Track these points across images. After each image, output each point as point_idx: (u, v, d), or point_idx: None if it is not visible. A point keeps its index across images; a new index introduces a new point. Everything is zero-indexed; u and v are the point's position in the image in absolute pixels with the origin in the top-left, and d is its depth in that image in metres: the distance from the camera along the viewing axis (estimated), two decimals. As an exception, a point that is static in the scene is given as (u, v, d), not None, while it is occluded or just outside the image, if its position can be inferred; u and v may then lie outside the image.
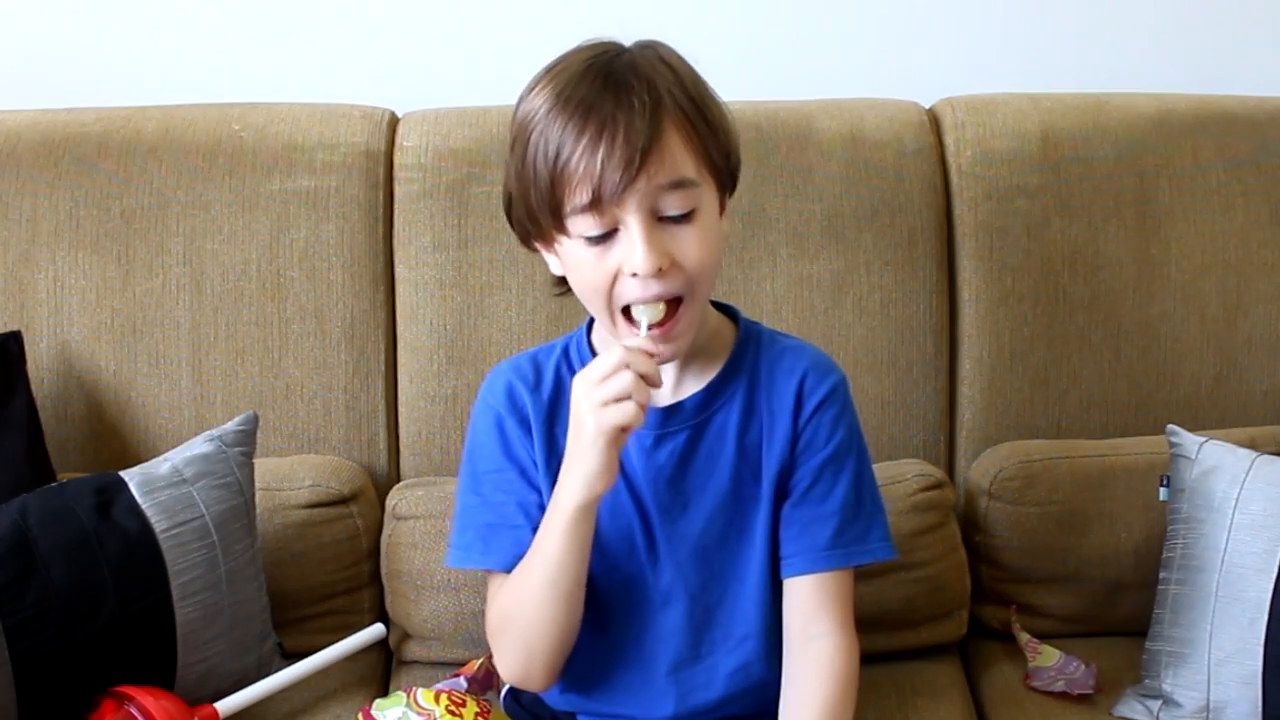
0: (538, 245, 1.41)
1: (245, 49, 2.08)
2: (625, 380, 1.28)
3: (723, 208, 1.40)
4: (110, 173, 1.81)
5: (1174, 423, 1.70)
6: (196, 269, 1.80)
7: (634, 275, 1.32)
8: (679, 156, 1.32)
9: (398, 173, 1.83)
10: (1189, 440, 1.66)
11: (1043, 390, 1.85)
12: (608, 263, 1.33)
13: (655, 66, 1.35)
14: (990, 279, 1.84)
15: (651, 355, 1.31)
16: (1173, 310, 1.85)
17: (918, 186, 1.84)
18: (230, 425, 1.68)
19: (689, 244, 1.33)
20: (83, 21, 2.07)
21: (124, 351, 1.81)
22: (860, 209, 1.82)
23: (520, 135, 1.36)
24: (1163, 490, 1.70)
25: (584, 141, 1.30)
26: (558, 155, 1.31)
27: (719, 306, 1.48)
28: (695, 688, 1.45)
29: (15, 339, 1.73)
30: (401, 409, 1.83)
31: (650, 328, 1.33)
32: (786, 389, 1.43)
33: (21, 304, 1.80)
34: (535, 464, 1.43)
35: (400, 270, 1.83)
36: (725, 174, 1.39)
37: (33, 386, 1.74)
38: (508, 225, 1.81)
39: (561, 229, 1.34)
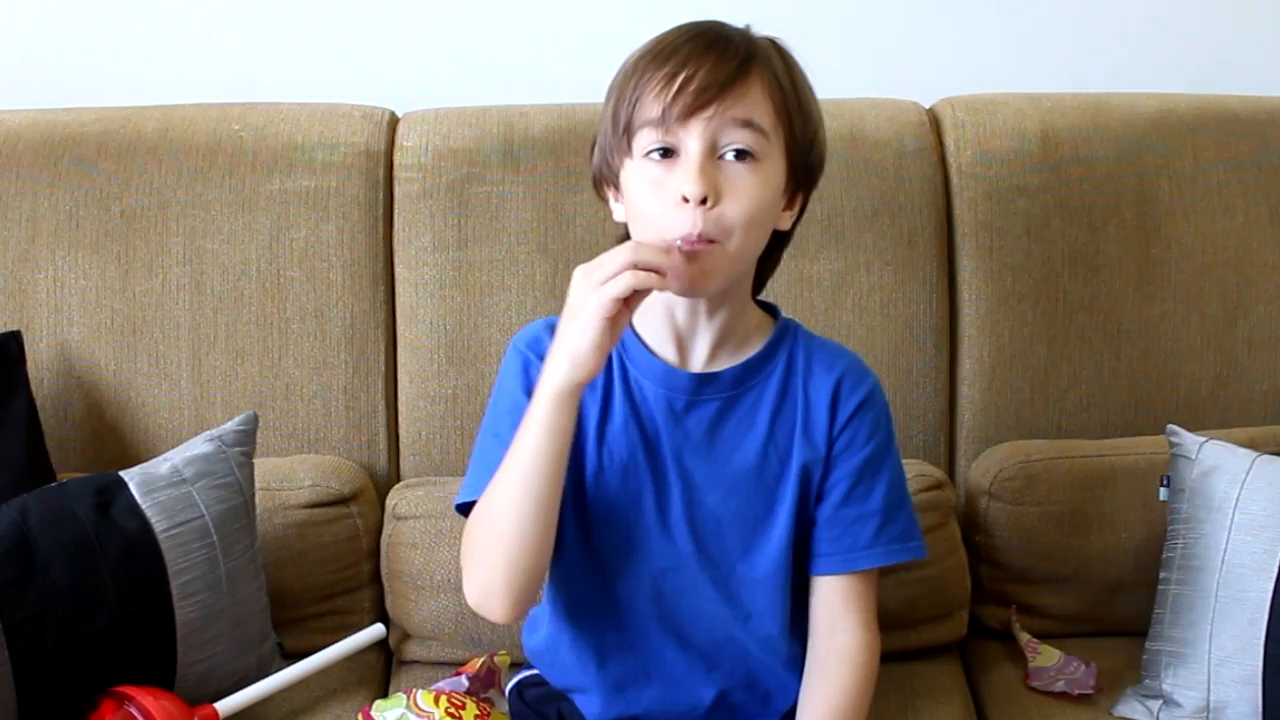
0: (608, 190, 1.43)
1: (245, 49, 2.08)
2: (623, 255, 1.27)
3: (789, 199, 1.42)
4: (110, 173, 1.81)
5: (1174, 423, 1.70)
6: (196, 269, 1.80)
7: (684, 200, 1.32)
8: (758, 103, 1.35)
9: (398, 173, 1.83)
10: (1189, 440, 1.66)
11: (1043, 390, 1.85)
12: (665, 188, 1.34)
13: (761, 40, 1.40)
14: (990, 279, 1.84)
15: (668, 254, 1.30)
16: (1173, 310, 1.85)
17: (918, 186, 1.84)
18: (230, 425, 1.68)
19: (740, 186, 1.34)
20: (83, 21, 2.07)
21: (124, 351, 1.81)
22: (860, 209, 1.82)
23: (616, 78, 1.39)
24: (1163, 490, 1.70)
25: (668, 67, 1.34)
26: (643, 74, 1.35)
27: (760, 304, 1.49)
28: (699, 652, 1.45)
29: (15, 339, 1.73)
30: (401, 409, 1.83)
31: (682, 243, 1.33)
32: (824, 383, 1.44)
33: (21, 304, 1.80)
34: None
35: (400, 270, 1.83)
36: (800, 159, 1.40)
37: (33, 386, 1.74)
38: (509, 224, 1.82)
39: (628, 148, 1.36)
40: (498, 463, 1.38)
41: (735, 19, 1.43)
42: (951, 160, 1.86)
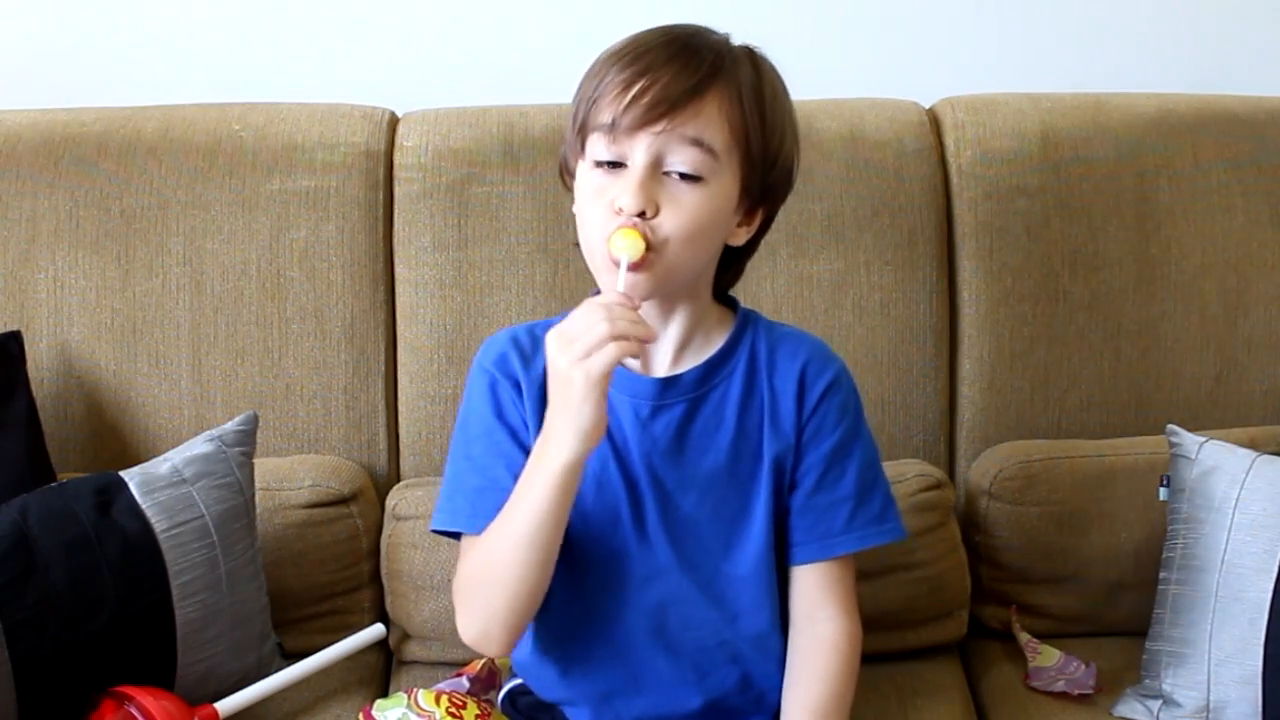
0: (570, 182, 1.44)
1: (245, 49, 2.08)
2: (601, 328, 1.27)
3: (746, 216, 1.41)
4: (110, 173, 1.81)
5: (1174, 423, 1.70)
6: (196, 269, 1.80)
7: (619, 211, 1.33)
8: (711, 122, 1.34)
9: (398, 173, 1.83)
10: (1189, 440, 1.66)
11: (1043, 390, 1.85)
12: (606, 195, 1.34)
13: (735, 53, 1.39)
14: (990, 279, 1.84)
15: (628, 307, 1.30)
16: (1173, 310, 1.85)
17: (918, 186, 1.84)
18: (230, 425, 1.68)
19: (681, 201, 1.34)
20: (83, 21, 2.07)
21: (124, 351, 1.81)
22: (860, 209, 1.82)
23: (586, 71, 1.39)
24: (1163, 490, 1.70)
25: (627, 73, 1.34)
26: (605, 74, 1.35)
27: (720, 300, 1.49)
28: (690, 660, 1.44)
29: (15, 339, 1.73)
30: (401, 409, 1.83)
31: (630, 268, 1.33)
32: (789, 373, 1.44)
33: (21, 304, 1.80)
34: (527, 427, 1.42)
35: (400, 270, 1.83)
36: (757, 179, 1.39)
37: (33, 386, 1.74)
38: (509, 224, 1.82)
39: (581, 149, 1.37)
40: (472, 489, 1.41)
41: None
42: (951, 160, 1.86)
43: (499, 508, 1.38)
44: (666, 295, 1.40)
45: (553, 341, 1.30)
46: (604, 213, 1.34)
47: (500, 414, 1.43)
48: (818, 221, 1.82)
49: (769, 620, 1.45)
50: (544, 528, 1.32)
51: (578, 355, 1.27)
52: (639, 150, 1.33)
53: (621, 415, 1.42)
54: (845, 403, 1.45)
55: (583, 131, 1.36)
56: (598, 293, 1.37)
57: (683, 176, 1.34)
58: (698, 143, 1.33)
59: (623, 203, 1.33)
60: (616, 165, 1.35)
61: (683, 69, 1.34)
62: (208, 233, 1.80)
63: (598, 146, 1.35)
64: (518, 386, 1.43)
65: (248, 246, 1.81)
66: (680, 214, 1.33)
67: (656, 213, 1.33)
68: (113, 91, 1.99)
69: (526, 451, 1.39)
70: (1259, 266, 1.86)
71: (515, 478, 1.38)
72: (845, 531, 1.43)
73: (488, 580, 1.37)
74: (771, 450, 1.43)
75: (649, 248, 1.33)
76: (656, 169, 1.34)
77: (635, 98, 1.33)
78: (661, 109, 1.32)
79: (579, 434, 1.29)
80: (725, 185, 1.36)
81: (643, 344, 1.31)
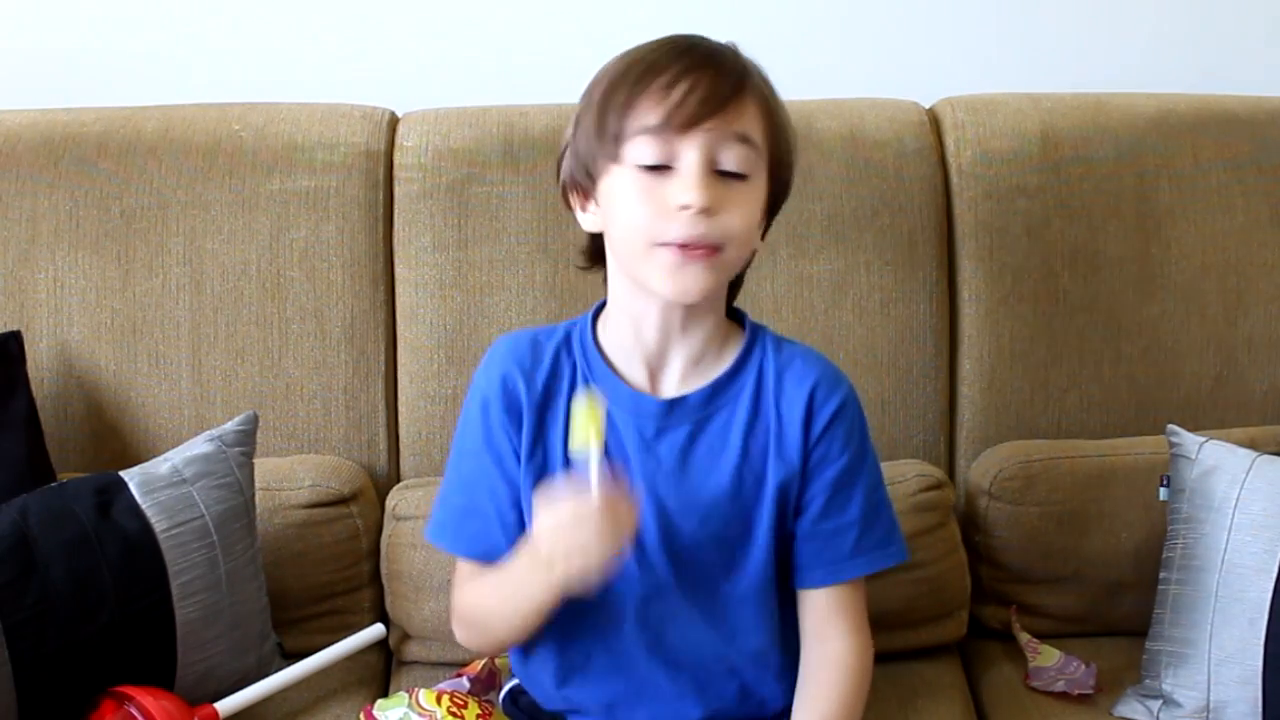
0: (575, 199, 1.42)
1: (245, 49, 2.08)
2: (598, 544, 1.30)
3: (763, 216, 1.41)
4: (110, 173, 1.81)
5: (1174, 423, 1.70)
6: (196, 269, 1.80)
7: (683, 209, 1.32)
8: (754, 120, 1.36)
9: (398, 173, 1.83)
10: (1189, 440, 1.66)
11: (1043, 390, 1.85)
12: (658, 196, 1.33)
13: (741, 56, 1.40)
14: (990, 279, 1.84)
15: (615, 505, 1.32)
16: (1173, 310, 1.85)
17: (918, 186, 1.84)
18: (230, 425, 1.68)
19: (737, 200, 1.34)
20: (83, 21, 2.07)
21: (124, 351, 1.81)
22: (860, 209, 1.82)
23: (596, 81, 1.39)
24: (1163, 490, 1.70)
25: (665, 76, 1.34)
26: (636, 82, 1.34)
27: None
28: (689, 674, 1.45)
29: (15, 339, 1.73)
30: (401, 409, 1.83)
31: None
32: (796, 398, 1.42)
33: (21, 304, 1.80)
34: (516, 454, 1.43)
35: (400, 270, 1.83)
36: (778, 179, 1.40)
37: (33, 386, 1.74)
38: (509, 224, 1.82)
39: (616, 155, 1.35)
40: (458, 509, 1.46)
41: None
42: (951, 160, 1.86)
43: (480, 534, 1.43)
44: (690, 308, 1.40)
45: (545, 538, 1.32)
46: (654, 211, 1.33)
47: (488, 439, 1.44)
48: (818, 221, 1.82)
49: (768, 638, 1.45)
50: (538, 616, 1.38)
51: (575, 571, 1.31)
52: (691, 149, 1.33)
53: (625, 436, 1.42)
54: (852, 427, 1.44)
55: (618, 139, 1.35)
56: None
57: (732, 175, 1.34)
58: (745, 139, 1.34)
59: (687, 199, 1.32)
60: (662, 169, 1.34)
61: (720, 69, 1.35)
62: (208, 233, 1.80)
63: (642, 150, 1.34)
64: (511, 409, 1.43)
65: (248, 246, 1.81)
66: (737, 212, 1.34)
67: (716, 212, 1.33)
68: (113, 91, 1.99)
69: (509, 479, 1.42)
70: (1259, 266, 1.86)
71: (495, 506, 1.43)
72: (852, 556, 1.43)
73: (484, 628, 1.45)
74: (776, 476, 1.42)
75: (714, 249, 1.33)
76: (710, 168, 1.34)
77: (685, 95, 1.32)
78: (711, 105, 1.33)
79: (582, 580, 1.33)
80: (762, 184, 1.38)
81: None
